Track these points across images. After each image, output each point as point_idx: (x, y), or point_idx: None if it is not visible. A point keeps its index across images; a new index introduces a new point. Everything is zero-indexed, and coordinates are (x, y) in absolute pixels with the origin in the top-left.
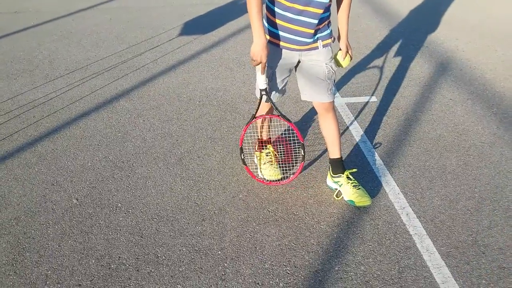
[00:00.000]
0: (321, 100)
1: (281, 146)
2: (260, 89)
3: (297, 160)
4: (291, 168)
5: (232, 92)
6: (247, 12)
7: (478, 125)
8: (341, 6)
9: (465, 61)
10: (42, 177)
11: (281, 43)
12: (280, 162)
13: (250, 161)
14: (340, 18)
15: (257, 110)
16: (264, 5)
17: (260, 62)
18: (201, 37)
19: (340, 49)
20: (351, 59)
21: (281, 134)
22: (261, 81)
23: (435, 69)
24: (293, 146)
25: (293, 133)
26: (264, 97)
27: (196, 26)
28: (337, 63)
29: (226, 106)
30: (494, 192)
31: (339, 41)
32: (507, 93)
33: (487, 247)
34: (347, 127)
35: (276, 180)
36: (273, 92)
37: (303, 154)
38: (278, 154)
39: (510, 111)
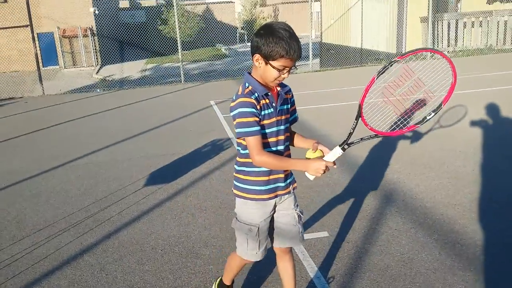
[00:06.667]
0: (293, 244)
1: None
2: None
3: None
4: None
5: (194, 238)
6: (209, 158)
7: (422, 252)
8: (294, 136)
9: (407, 192)
10: None
11: (265, 196)
12: None
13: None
14: (298, 140)
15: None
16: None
17: (326, 169)
18: (165, 186)
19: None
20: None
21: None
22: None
23: (380, 202)
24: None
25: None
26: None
27: (161, 176)
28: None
29: (188, 252)
30: None
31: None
32: (446, 219)
33: None
34: (302, 264)
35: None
36: (262, 248)
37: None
38: None
39: (449, 236)
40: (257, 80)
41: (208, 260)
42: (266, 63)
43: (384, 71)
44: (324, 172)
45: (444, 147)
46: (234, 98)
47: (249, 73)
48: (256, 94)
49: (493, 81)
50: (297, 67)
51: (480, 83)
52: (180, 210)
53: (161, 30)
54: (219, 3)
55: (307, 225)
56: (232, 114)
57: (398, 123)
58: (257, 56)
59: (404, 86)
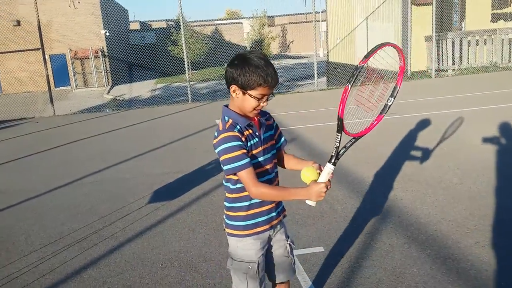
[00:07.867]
0: (286, 278)
1: None
2: None
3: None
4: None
5: (193, 252)
6: (212, 176)
7: (413, 267)
8: (288, 159)
9: (402, 208)
10: None
11: (261, 229)
12: None
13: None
14: (294, 163)
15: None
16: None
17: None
18: (168, 203)
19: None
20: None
21: None
22: None
23: (376, 217)
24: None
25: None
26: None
27: (165, 193)
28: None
29: (187, 266)
30: None
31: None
32: (439, 235)
33: None
34: (296, 278)
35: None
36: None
37: None
38: None
39: (441, 251)
40: (236, 112)
41: (206, 274)
42: (244, 93)
43: (354, 80)
44: (323, 195)
45: (442, 164)
46: (216, 134)
47: (226, 106)
48: (239, 126)
49: (496, 99)
50: (274, 94)
51: (483, 101)
52: (181, 226)
53: (171, 51)
54: (228, 24)
55: (303, 240)
56: (216, 151)
57: (368, 119)
58: (234, 87)
59: (370, 84)
